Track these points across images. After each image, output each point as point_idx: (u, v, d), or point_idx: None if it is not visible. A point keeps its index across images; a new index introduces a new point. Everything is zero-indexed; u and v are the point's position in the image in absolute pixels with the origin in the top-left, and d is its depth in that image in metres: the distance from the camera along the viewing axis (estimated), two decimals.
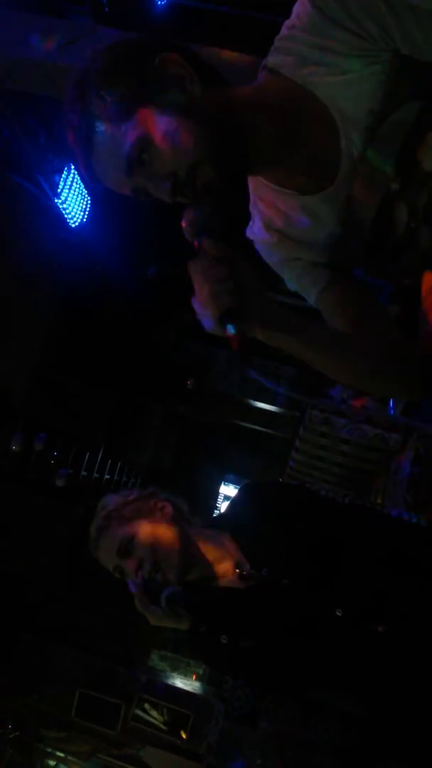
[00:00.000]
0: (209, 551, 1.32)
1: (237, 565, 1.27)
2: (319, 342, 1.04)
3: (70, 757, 5.81)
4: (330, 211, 1.04)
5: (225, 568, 1.30)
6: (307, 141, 0.98)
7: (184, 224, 0.96)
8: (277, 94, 0.97)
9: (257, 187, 1.12)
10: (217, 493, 10.72)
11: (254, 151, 0.98)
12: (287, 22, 0.96)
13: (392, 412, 4.01)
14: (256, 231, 1.17)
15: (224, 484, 10.88)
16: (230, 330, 0.93)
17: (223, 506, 10.10)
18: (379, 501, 4.06)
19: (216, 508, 10.20)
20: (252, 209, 1.16)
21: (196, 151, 0.93)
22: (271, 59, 0.99)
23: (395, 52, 0.89)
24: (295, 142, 0.98)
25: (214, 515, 1.59)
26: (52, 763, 5.81)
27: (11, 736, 5.51)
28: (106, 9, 3.79)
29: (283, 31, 0.97)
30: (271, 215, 1.12)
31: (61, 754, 5.83)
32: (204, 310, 0.94)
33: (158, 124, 0.93)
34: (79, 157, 1.00)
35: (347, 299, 1.14)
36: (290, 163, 1.01)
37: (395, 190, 0.98)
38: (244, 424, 8.35)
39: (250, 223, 1.19)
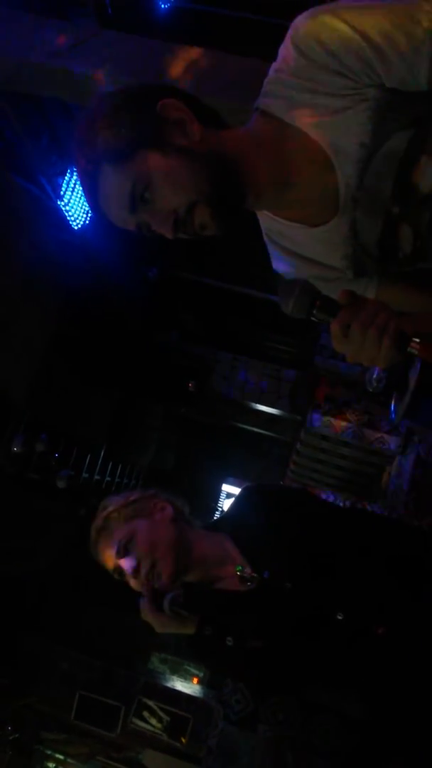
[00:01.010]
0: (210, 553, 1.33)
1: (238, 568, 1.27)
2: None
3: (69, 760, 5.81)
4: (339, 238, 1.08)
5: (226, 570, 1.30)
6: (303, 177, 1.02)
7: None
8: (270, 134, 1.02)
9: (267, 222, 1.16)
10: (218, 494, 10.73)
11: (252, 190, 1.03)
12: (274, 66, 1.00)
13: (393, 415, 4.01)
14: (281, 264, 1.22)
15: (225, 484, 10.88)
16: (415, 345, 0.93)
17: (226, 504, 10.10)
18: (380, 504, 4.06)
19: (217, 509, 10.21)
20: (267, 243, 1.21)
21: (195, 191, 0.99)
22: (262, 102, 1.03)
23: (380, 87, 0.92)
24: (292, 179, 1.03)
25: (216, 517, 1.60)
26: (51, 765, 5.81)
27: (11, 738, 5.51)
28: (110, 11, 3.80)
29: (271, 74, 1.01)
30: (287, 244, 1.17)
31: (61, 756, 5.83)
32: (375, 351, 0.94)
33: (160, 166, 0.98)
34: (87, 195, 1.06)
35: (408, 286, 1.16)
36: (290, 198, 1.06)
37: (396, 214, 1.01)
38: (245, 426, 8.35)
39: (272, 257, 1.23)
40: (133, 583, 1.31)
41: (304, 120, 0.98)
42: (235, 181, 1.00)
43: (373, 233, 1.05)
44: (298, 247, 1.15)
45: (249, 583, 1.24)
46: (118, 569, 1.33)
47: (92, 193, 1.04)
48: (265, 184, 1.03)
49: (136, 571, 1.30)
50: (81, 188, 1.09)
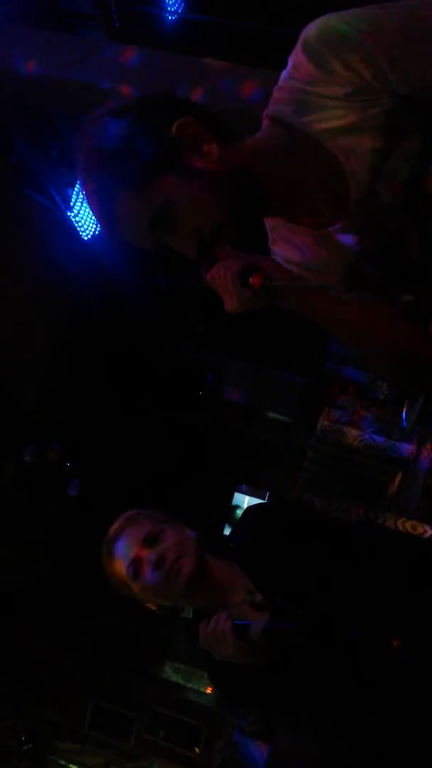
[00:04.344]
0: (222, 579, 1.30)
1: (248, 594, 1.24)
2: (354, 310, 1.06)
3: None
4: (344, 243, 1.07)
5: (235, 597, 1.27)
6: (315, 183, 1.02)
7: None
8: (281, 142, 1.01)
9: (273, 226, 1.16)
10: (230, 503, 10.70)
11: (268, 201, 1.02)
12: (284, 73, 0.99)
13: (405, 423, 3.99)
14: None
15: (237, 493, 10.85)
16: (253, 279, 0.98)
17: (238, 513, 10.08)
18: (392, 512, 4.03)
19: (230, 516, 10.18)
20: (271, 246, 1.20)
21: (219, 213, 0.98)
22: (273, 109, 1.02)
23: (392, 93, 0.92)
24: (305, 186, 1.02)
25: (224, 535, 1.57)
26: None
27: (25, 748, 5.50)
28: (117, 24, 3.83)
29: (281, 81, 1.00)
30: (289, 251, 1.16)
31: (75, 767, 5.81)
32: (225, 281, 0.99)
33: (181, 191, 0.97)
34: (101, 220, 1.05)
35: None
36: (302, 204, 1.05)
37: (406, 221, 1.00)
38: (256, 433, 8.33)
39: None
40: (148, 576, 1.27)
41: (316, 126, 0.97)
42: (255, 194, 1.00)
43: (381, 241, 1.05)
44: (301, 254, 1.14)
45: (261, 611, 1.21)
46: (137, 561, 1.28)
47: (105, 216, 1.02)
48: (278, 193, 1.02)
49: (160, 560, 1.26)
50: (90, 209, 1.06)
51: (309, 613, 1.15)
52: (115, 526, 1.35)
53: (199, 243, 0.99)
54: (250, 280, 0.97)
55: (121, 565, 1.30)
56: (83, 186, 1.03)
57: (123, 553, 1.31)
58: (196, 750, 5.51)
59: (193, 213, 0.97)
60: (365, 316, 1.07)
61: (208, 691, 6.25)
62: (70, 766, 5.78)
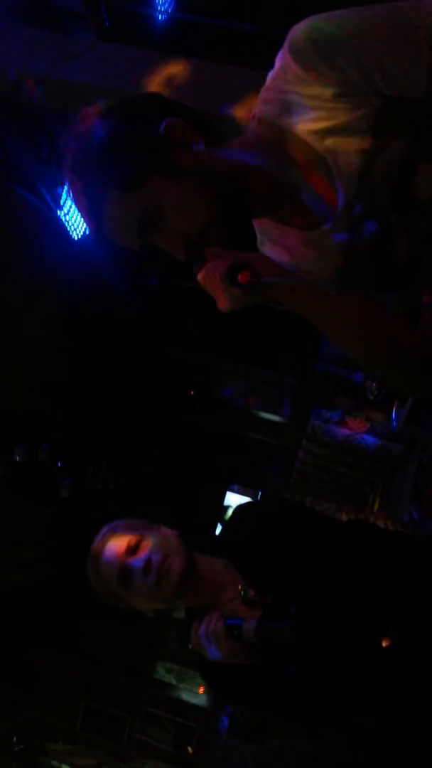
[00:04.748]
0: (212, 577, 1.29)
1: (240, 592, 1.23)
2: (345, 307, 1.04)
3: None
4: (332, 244, 1.07)
5: (227, 595, 1.26)
6: (303, 184, 1.02)
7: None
8: (269, 143, 1.01)
9: (262, 227, 1.16)
10: (222, 502, 10.71)
11: (256, 202, 1.02)
12: (271, 74, 0.99)
13: (395, 423, 4.00)
14: None
15: (229, 493, 10.87)
16: (241, 277, 0.97)
17: (229, 512, 10.09)
18: (381, 512, 4.05)
19: (221, 515, 10.19)
20: (260, 247, 1.19)
21: (207, 214, 0.98)
22: (260, 110, 1.02)
23: (379, 94, 0.92)
24: (293, 187, 1.02)
25: (215, 533, 1.55)
26: None
27: (16, 749, 5.48)
28: (107, 24, 3.82)
29: (268, 82, 1.00)
30: (278, 252, 1.15)
31: (67, 767, 5.80)
32: (214, 280, 0.98)
33: (170, 192, 0.97)
34: (88, 220, 1.04)
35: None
36: (290, 205, 1.05)
37: (394, 221, 1.00)
38: (248, 434, 8.35)
39: None
40: (138, 584, 1.25)
41: (303, 127, 0.97)
42: (242, 195, 0.99)
43: (370, 240, 1.05)
44: (290, 255, 1.13)
45: (253, 607, 1.20)
46: (125, 571, 1.26)
47: (93, 217, 1.01)
48: (266, 194, 1.02)
49: (147, 564, 1.24)
50: (78, 209, 1.05)
51: (301, 611, 1.15)
52: (96, 543, 1.34)
53: (188, 244, 0.99)
54: (239, 277, 0.97)
55: (110, 580, 1.29)
56: (71, 186, 1.02)
57: (109, 568, 1.29)
58: (189, 749, 5.51)
59: (181, 214, 0.97)
60: (356, 313, 1.07)
61: (201, 691, 6.25)
62: (62, 766, 5.77)
